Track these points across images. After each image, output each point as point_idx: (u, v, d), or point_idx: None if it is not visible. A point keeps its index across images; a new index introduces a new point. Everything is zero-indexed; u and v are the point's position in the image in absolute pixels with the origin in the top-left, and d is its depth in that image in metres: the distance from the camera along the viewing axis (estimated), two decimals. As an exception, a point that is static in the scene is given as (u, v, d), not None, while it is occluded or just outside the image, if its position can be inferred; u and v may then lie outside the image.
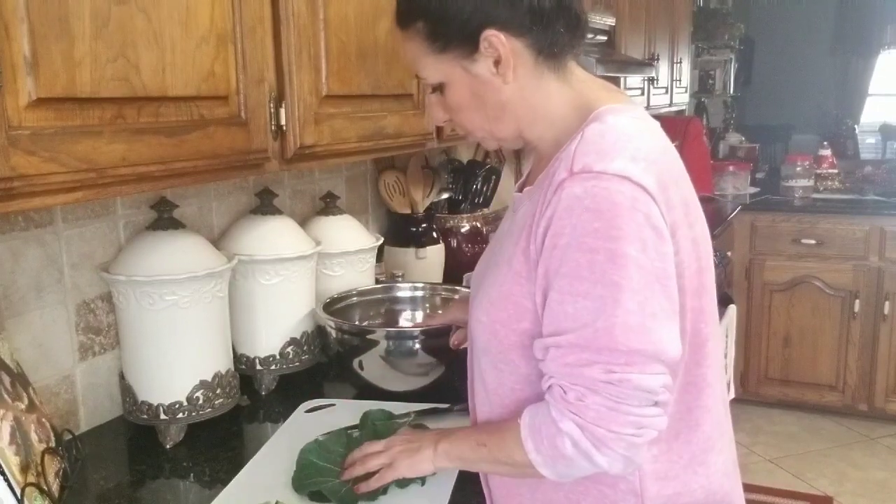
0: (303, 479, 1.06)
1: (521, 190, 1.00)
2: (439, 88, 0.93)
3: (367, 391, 1.42)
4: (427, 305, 1.65)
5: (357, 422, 1.20)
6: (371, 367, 1.39)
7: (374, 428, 1.16)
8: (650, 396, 0.81)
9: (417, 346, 1.37)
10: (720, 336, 0.96)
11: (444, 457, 0.97)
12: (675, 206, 0.85)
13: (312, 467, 1.08)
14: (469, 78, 0.90)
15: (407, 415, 1.24)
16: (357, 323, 1.57)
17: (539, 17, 0.87)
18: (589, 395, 0.81)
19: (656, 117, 1.00)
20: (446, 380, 1.38)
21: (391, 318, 1.64)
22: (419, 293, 1.66)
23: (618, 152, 0.82)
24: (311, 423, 1.29)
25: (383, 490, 1.04)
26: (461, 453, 0.96)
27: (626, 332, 0.79)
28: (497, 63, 0.88)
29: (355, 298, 1.61)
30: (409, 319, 1.64)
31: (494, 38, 0.87)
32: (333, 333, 1.43)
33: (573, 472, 0.86)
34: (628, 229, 0.79)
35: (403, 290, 1.67)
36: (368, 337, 1.38)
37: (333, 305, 1.54)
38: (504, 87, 0.90)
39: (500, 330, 0.90)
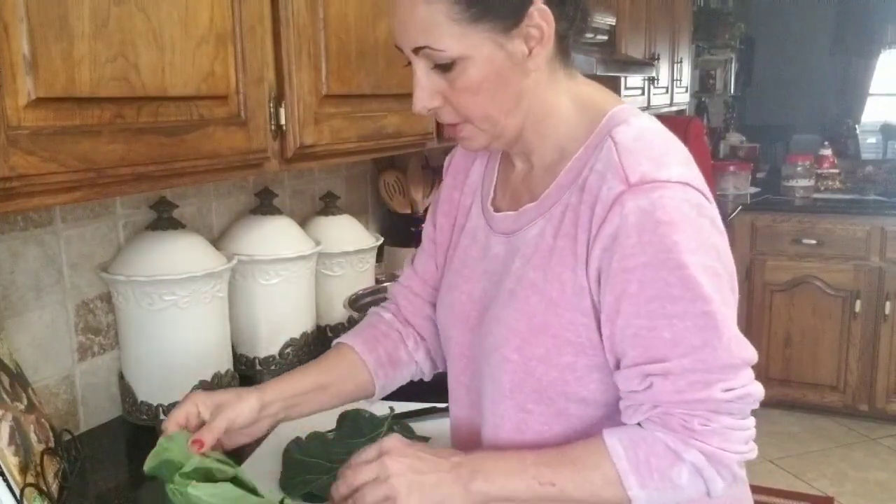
0: (290, 478, 1.06)
1: (498, 209, 0.91)
2: (449, 67, 0.79)
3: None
4: None
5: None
6: None
7: (349, 427, 1.16)
8: (756, 406, 0.80)
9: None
10: None
11: (481, 498, 0.78)
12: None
13: (299, 465, 1.08)
14: (501, 56, 0.78)
15: (389, 413, 1.21)
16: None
17: (573, 3, 0.82)
18: (714, 418, 0.77)
19: (657, 117, 0.99)
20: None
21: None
22: None
23: (670, 158, 0.78)
24: (306, 423, 1.28)
25: None
26: (512, 493, 0.79)
27: (738, 345, 0.77)
28: (535, 43, 0.79)
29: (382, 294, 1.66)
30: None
31: (540, 14, 0.77)
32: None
33: (674, 501, 0.80)
34: (703, 238, 0.75)
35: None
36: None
37: (360, 300, 1.58)
38: (530, 73, 0.81)
39: (537, 367, 0.82)
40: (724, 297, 0.77)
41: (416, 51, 0.79)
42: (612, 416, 0.84)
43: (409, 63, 0.82)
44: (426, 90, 0.81)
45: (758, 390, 0.79)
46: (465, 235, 0.95)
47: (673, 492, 0.78)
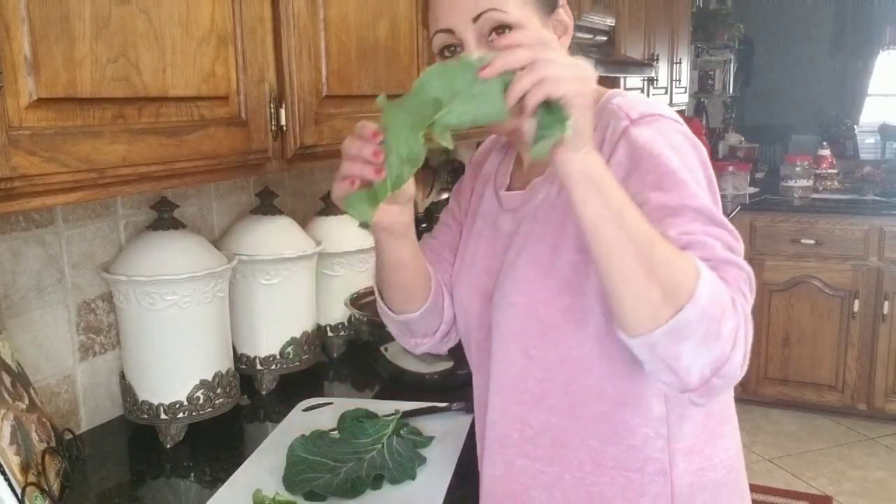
0: (294, 475, 1.07)
1: (508, 188, 0.99)
2: (502, 31, 0.83)
3: (393, 377, 1.46)
4: None
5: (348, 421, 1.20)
6: (394, 352, 1.43)
7: (353, 427, 1.16)
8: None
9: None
10: None
11: (591, 166, 0.70)
12: None
13: (303, 462, 1.08)
14: (543, 32, 0.87)
15: (395, 413, 1.22)
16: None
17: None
18: (748, 289, 0.76)
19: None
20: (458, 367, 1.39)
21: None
22: None
23: (662, 106, 0.88)
24: (307, 421, 1.29)
25: (376, 486, 1.04)
26: (620, 205, 0.70)
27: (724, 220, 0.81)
28: (560, 33, 0.90)
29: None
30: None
31: (565, 10, 0.90)
32: (364, 325, 1.47)
33: (688, 345, 0.70)
34: (702, 156, 0.84)
35: None
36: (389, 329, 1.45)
37: (360, 300, 1.58)
38: None
39: (540, 309, 0.88)
40: (716, 189, 0.84)
41: (478, 18, 0.83)
42: (611, 367, 0.86)
43: (445, 51, 0.87)
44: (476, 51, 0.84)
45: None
46: (479, 218, 1.02)
47: (716, 331, 0.71)
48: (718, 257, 0.75)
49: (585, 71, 0.69)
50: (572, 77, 0.67)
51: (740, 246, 0.79)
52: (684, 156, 0.82)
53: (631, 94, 0.91)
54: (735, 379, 0.75)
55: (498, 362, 0.94)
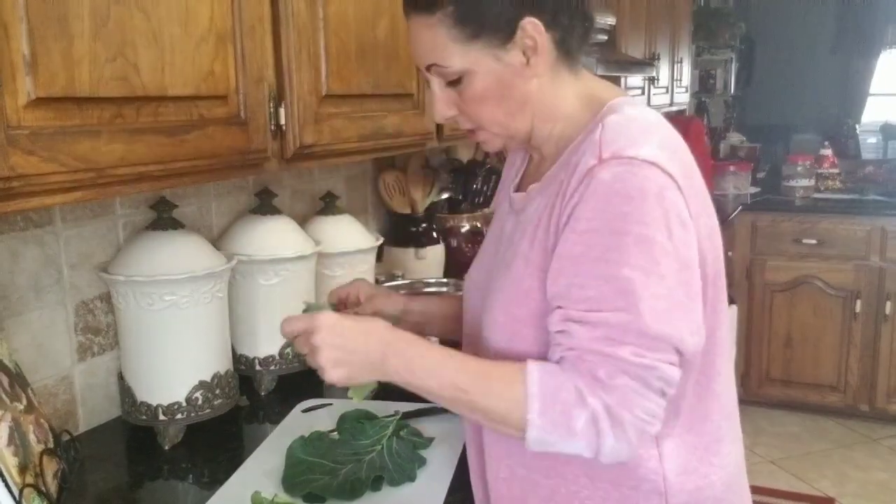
0: (293, 477, 1.07)
1: (518, 190, 1.00)
2: (457, 81, 0.88)
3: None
4: None
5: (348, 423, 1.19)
6: None
7: (353, 428, 1.16)
8: (666, 388, 0.81)
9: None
10: (728, 324, 0.95)
11: (397, 379, 0.87)
12: (697, 195, 0.86)
13: (302, 464, 1.08)
14: (500, 67, 0.87)
15: (395, 414, 1.22)
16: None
17: (567, 11, 0.88)
18: (619, 376, 0.79)
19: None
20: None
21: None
22: (444, 287, 1.74)
23: (646, 139, 0.83)
24: (306, 422, 1.29)
25: (376, 487, 1.04)
26: (424, 385, 0.86)
27: (652, 316, 0.78)
28: (531, 53, 0.87)
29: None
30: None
31: (532, 26, 0.85)
32: None
33: (560, 447, 0.82)
34: (656, 215, 0.79)
35: (430, 286, 1.74)
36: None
37: None
38: (531, 79, 0.89)
39: (521, 329, 0.88)
40: (666, 274, 0.79)
41: (428, 68, 0.89)
42: None
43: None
44: (442, 101, 0.91)
45: (669, 371, 0.80)
46: (496, 215, 1.07)
47: (567, 432, 0.80)
48: (584, 347, 0.81)
49: (348, 343, 0.86)
50: (324, 357, 0.86)
51: (662, 347, 0.80)
52: (634, 219, 0.78)
53: (627, 114, 0.87)
54: (628, 453, 0.81)
55: None
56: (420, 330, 1.05)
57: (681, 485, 0.89)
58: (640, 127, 0.85)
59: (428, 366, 0.86)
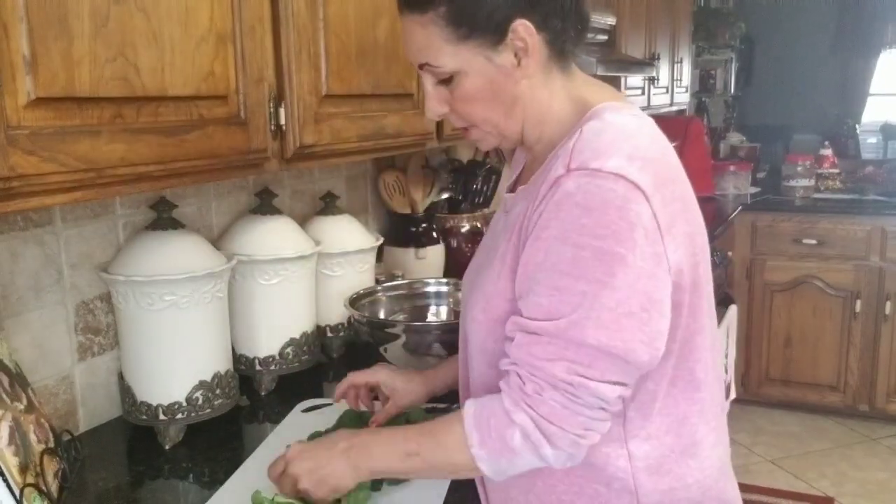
0: None
1: (512, 190, 1.00)
2: (448, 80, 0.90)
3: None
4: (451, 300, 1.71)
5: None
6: (394, 354, 1.46)
7: (352, 428, 1.15)
8: (602, 404, 0.82)
9: (432, 340, 1.44)
10: (714, 330, 0.95)
11: (368, 473, 0.95)
12: (673, 202, 0.84)
13: None
14: (491, 68, 0.88)
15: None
16: (381, 318, 1.63)
17: (560, 13, 0.88)
18: (547, 391, 0.82)
19: (657, 117, 1.00)
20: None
21: (419, 312, 1.70)
22: (444, 288, 1.73)
23: (615, 150, 0.82)
24: (307, 422, 1.29)
25: (376, 487, 1.04)
26: (388, 466, 0.93)
27: (597, 328, 0.79)
28: (522, 54, 0.87)
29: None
30: (434, 314, 1.72)
31: (523, 28, 0.85)
32: (363, 326, 1.49)
33: (515, 467, 0.86)
34: (616, 228, 0.79)
35: (430, 286, 1.73)
36: (388, 330, 1.47)
37: (360, 300, 1.60)
38: (522, 80, 0.89)
39: (496, 328, 0.90)
40: (620, 286, 0.79)
41: (421, 67, 0.91)
42: None
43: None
44: (434, 99, 0.93)
45: (603, 389, 0.81)
46: (496, 213, 1.07)
47: (511, 454, 0.84)
48: (522, 359, 0.84)
49: (318, 461, 0.94)
50: (305, 482, 0.94)
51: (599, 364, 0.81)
52: (592, 231, 0.78)
53: (606, 120, 0.86)
54: (571, 460, 0.85)
55: (471, 370, 0.99)
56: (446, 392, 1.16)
57: (653, 484, 0.90)
58: (612, 136, 0.84)
59: (382, 443, 0.93)
